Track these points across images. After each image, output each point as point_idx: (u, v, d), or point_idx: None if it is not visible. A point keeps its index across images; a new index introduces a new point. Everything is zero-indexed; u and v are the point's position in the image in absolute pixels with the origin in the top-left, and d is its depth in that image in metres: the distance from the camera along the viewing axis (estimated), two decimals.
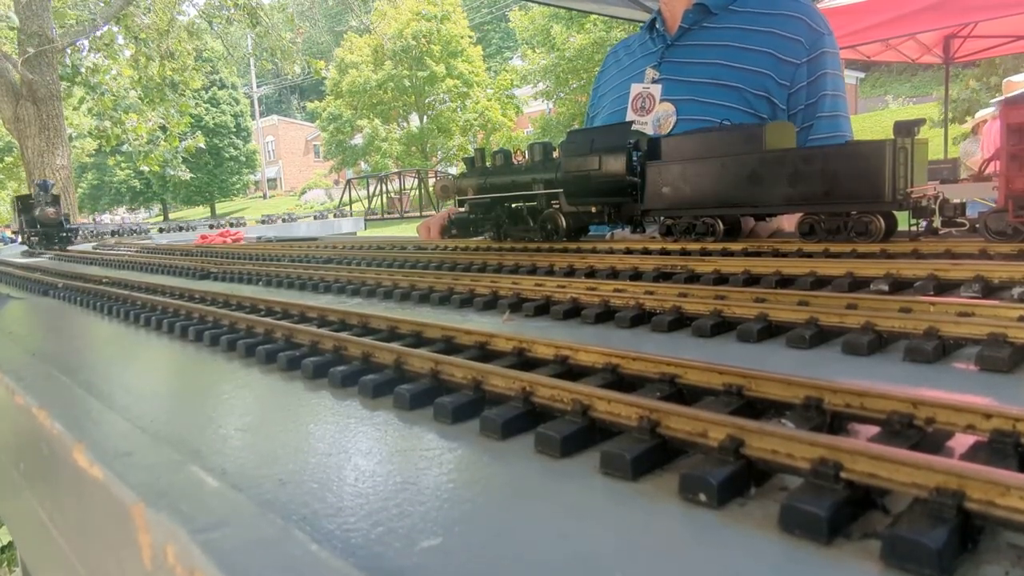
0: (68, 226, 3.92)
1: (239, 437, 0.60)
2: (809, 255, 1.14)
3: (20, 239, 4.53)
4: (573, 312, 0.99)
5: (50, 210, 3.75)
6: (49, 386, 0.79)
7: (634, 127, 1.65)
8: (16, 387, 0.78)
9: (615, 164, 1.48)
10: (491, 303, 1.11)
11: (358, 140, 26.44)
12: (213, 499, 0.45)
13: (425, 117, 25.95)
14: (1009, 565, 0.34)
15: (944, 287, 0.88)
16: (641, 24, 2.24)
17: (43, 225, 3.75)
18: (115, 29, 9.03)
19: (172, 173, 11.12)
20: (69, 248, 3.80)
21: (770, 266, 1.05)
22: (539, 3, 7.59)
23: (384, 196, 20.42)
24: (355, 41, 25.80)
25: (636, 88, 1.96)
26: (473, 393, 0.62)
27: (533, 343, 0.72)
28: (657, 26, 2.01)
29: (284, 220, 9.39)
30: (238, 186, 33.51)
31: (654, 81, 1.94)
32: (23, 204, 3.95)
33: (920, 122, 1.11)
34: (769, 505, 0.41)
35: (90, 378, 0.86)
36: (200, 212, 34.11)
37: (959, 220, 1.12)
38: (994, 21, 6.59)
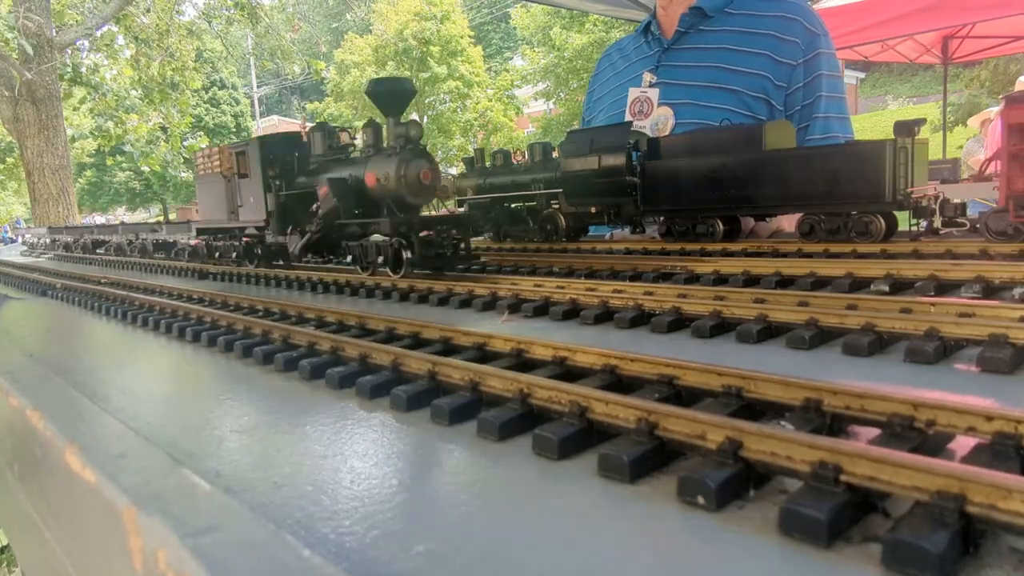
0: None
1: (234, 439, 0.59)
2: (809, 255, 1.13)
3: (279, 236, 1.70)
4: (572, 313, 0.99)
5: (424, 166, 1.46)
6: (44, 388, 0.79)
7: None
8: (11, 388, 0.78)
9: (615, 164, 1.47)
10: (490, 304, 1.11)
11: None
12: (206, 503, 0.44)
13: (425, 117, 25.94)
14: (1011, 569, 0.33)
15: (945, 287, 0.88)
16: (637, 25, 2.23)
17: (400, 207, 1.48)
18: (115, 29, 9.03)
19: (173, 174, 11.08)
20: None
21: (770, 266, 1.05)
22: (540, 3, 7.59)
23: None
24: (355, 42, 25.78)
25: (634, 92, 1.95)
26: (471, 394, 0.62)
27: (531, 344, 0.71)
28: (652, 30, 2.00)
29: None
30: None
31: (651, 85, 1.93)
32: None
33: (920, 122, 1.10)
34: (768, 508, 0.40)
35: (86, 379, 0.85)
36: None
37: (959, 220, 1.12)
38: (992, 21, 6.59)
